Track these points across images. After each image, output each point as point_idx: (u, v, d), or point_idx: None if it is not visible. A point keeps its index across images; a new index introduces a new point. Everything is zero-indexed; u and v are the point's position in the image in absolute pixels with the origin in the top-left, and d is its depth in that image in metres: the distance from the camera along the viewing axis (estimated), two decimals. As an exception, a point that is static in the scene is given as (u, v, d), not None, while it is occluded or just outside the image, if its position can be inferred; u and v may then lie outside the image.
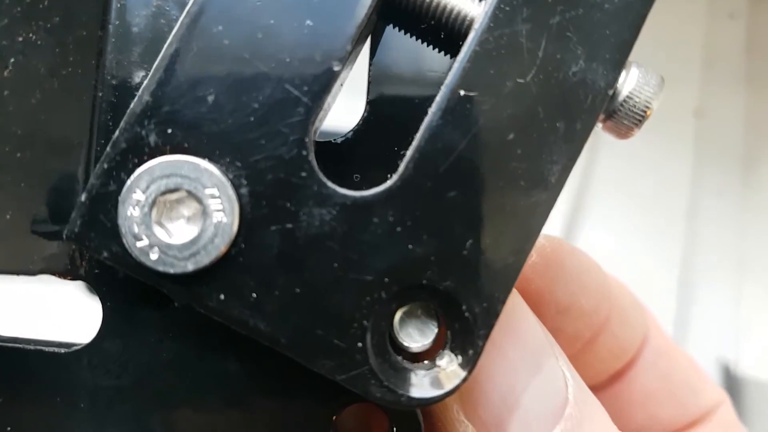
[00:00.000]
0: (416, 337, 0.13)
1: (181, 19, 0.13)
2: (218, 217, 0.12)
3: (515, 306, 0.15)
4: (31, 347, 0.14)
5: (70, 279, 0.14)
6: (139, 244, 0.12)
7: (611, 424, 0.16)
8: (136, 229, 0.12)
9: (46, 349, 0.14)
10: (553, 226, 0.49)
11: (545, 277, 0.20)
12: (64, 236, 0.13)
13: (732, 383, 0.53)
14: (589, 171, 0.54)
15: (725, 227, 0.56)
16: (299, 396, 0.14)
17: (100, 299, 0.14)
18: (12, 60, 0.14)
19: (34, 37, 0.14)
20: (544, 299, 0.20)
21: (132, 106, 0.13)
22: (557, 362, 0.15)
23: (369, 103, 0.15)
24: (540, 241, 0.18)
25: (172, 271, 0.12)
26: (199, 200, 0.12)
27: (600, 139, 0.53)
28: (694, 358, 0.26)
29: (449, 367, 0.13)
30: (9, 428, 0.14)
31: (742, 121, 0.59)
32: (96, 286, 0.14)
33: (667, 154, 0.55)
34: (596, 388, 0.19)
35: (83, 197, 0.12)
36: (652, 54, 0.64)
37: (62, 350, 0.14)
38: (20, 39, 0.14)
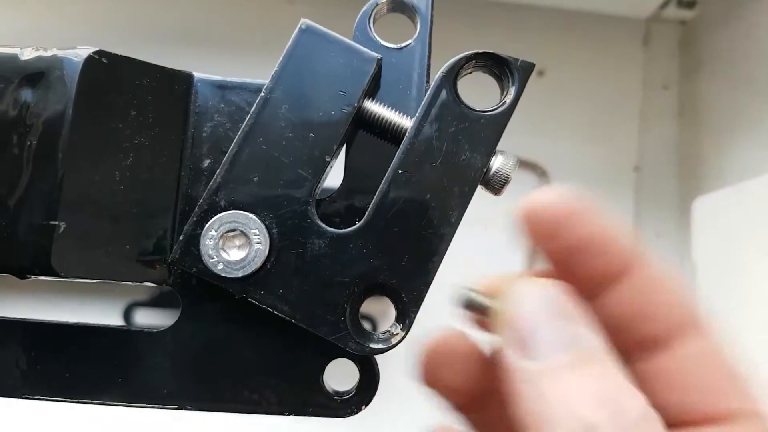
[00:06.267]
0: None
1: (239, 134, 0.21)
2: (257, 246, 0.21)
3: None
4: (133, 329, 0.23)
5: (164, 286, 0.23)
6: (211, 261, 0.21)
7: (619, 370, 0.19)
8: (210, 252, 0.21)
9: (145, 330, 0.23)
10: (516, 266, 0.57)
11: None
12: (169, 260, 0.21)
13: None
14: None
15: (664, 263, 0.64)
16: (302, 353, 0.22)
17: (180, 297, 0.22)
18: (131, 154, 0.22)
19: (143, 140, 0.23)
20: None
21: (210, 183, 0.21)
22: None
23: (345, 175, 0.24)
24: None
25: (230, 276, 0.21)
26: (247, 236, 0.21)
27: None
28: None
29: (395, 331, 0.21)
30: (120, 379, 0.22)
31: (676, 175, 0.68)
32: (178, 289, 0.23)
33: (610, 204, 0.64)
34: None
35: (182, 238, 0.21)
36: (597, 118, 0.75)
37: (154, 330, 0.23)
38: (136, 141, 0.22)
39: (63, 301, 0.59)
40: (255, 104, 0.21)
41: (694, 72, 0.69)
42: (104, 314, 0.60)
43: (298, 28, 0.22)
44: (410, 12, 0.23)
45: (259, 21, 0.66)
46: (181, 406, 0.22)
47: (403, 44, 0.23)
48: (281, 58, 0.22)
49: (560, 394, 0.18)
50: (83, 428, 0.56)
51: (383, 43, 0.23)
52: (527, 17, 0.68)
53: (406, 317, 0.21)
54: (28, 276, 0.21)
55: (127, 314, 0.60)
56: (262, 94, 0.21)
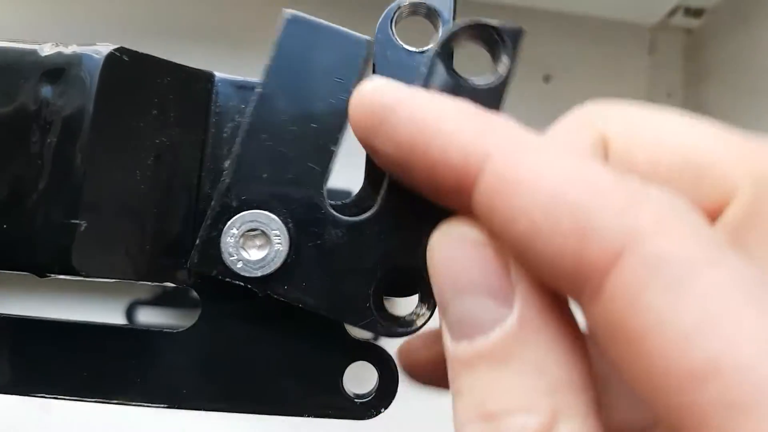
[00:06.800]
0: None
1: (240, 132, 0.21)
2: (277, 246, 0.21)
3: None
4: (156, 330, 0.23)
5: (185, 286, 0.22)
6: (231, 259, 0.21)
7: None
8: (230, 250, 0.21)
9: (165, 330, 0.23)
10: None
11: None
12: (188, 265, 0.21)
13: None
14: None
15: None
16: (322, 356, 0.22)
17: (200, 297, 0.22)
18: (152, 153, 0.22)
19: (164, 139, 0.23)
20: None
21: (219, 185, 0.21)
22: None
23: (366, 172, 0.24)
24: None
25: (249, 275, 0.21)
26: (267, 236, 0.21)
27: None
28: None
29: (420, 312, 0.21)
30: (138, 380, 0.22)
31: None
32: (198, 290, 0.23)
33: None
34: None
35: (198, 241, 0.21)
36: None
37: (174, 330, 0.23)
38: (157, 141, 0.22)
39: (62, 300, 0.58)
40: (252, 101, 0.21)
41: (699, 80, 0.69)
42: (105, 313, 0.60)
43: (284, 19, 0.21)
44: (432, 16, 0.23)
45: (261, 20, 0.66)
46: (201, 407, 0.22)
47: (426, 48, 0.23)
48: (272, 52, 0.21)
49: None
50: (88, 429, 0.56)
51: (405, 46, 0.23)
52: (533, 22, 0.68)
53: (430, 297, 0.21)
54: (48, 275, 0.21)
55: (129, 313, 0.60)
56: (258, 89, 0.21)
